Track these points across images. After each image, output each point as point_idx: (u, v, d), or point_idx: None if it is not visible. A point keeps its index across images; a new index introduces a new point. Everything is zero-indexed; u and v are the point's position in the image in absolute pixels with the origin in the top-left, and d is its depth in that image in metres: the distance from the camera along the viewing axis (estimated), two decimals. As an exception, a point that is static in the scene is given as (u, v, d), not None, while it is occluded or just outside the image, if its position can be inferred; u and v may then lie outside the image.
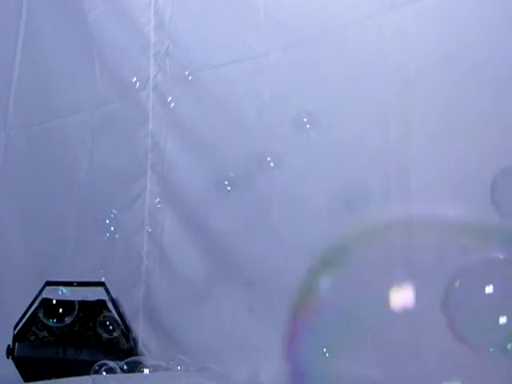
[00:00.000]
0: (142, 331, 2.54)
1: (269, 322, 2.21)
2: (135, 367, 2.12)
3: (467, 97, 1.91)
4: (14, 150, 3.06)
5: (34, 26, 3.07)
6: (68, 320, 2.27)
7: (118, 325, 2.43)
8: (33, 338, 2.49)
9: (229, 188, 2.05)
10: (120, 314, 2.44)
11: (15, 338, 2.47)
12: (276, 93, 2.32)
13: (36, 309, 2.51)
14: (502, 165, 1.83)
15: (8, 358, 2.45)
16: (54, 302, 2.30)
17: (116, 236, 2.15)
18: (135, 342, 2.45)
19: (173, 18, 2.66)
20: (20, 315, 2.51)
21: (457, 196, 1.91)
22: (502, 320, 1.10)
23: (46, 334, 2.49)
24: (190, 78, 2.48)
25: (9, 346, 2.45)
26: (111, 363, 2.06)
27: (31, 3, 3.10)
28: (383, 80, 2.07)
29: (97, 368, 2.03)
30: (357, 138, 2.11)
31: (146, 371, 2.10)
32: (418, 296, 1.94)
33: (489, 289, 1.13)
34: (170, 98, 2.61)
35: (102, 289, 2.45)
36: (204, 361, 2.14)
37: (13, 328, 2.48)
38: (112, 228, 2.13)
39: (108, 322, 2.43)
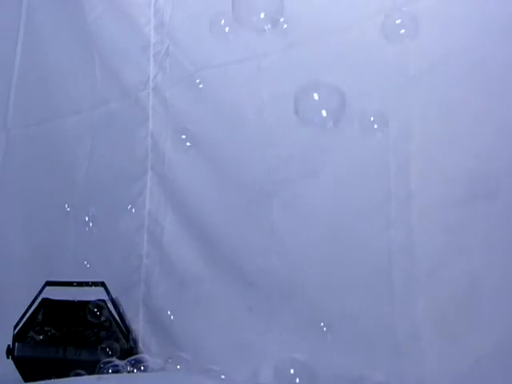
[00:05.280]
0: (141, 331, 2.54)
1: (269, 322, 2.21)
2: (138, 365, 2.12)
3: (467, 96, 1.91)
4: (13, 150, 3.06)
5: (34, 25, 3.07)
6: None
7: (118, 325, 2.43)
8: (33, 338, 2.49)
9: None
10: (120, 314, 2.44)
11: (15, 338, 2.46)
12: (276, 93, 2.32)
13: (36, 309, 2.51)
14: (501, 163, 1.84)
15: (8, 358, 2.45)
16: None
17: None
18: (135, 342, 2.45)
19: (173, 18, 2.66)
20: (20, 315, 2.50)
21: (456, 195, 1.91)
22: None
23: (45, 334, 2.49)
24: (198, 81, 2.49)
25: (9, 345, 2.45)
26: (117, 361, 2.06)
27: (31, 3, 3.10)
28: (383, 80, 2.07)
29: (102, 366, 2.04)
30: (357, 137, 2.11)
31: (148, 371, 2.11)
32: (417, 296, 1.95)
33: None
34: (169, 98, 2.62)
35: (101, 289, 2.45)
36: (204, 361, 2.14)
37: (13, 328, 2.48)
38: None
39: (108, 323, 2.43)
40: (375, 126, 2.08)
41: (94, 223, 2.22)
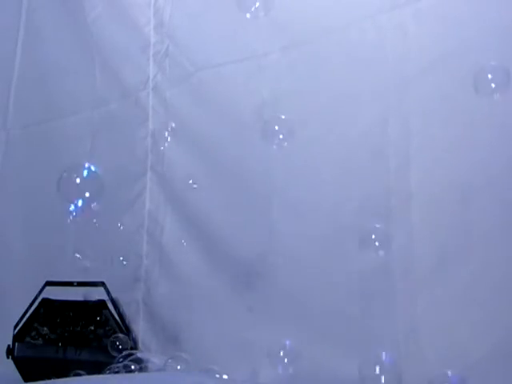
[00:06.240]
0: (141, 331, 2.54)
1: (269, 322, 2.21)
2: (138, 365, 2.13)
3: (467, 96, 1.91)
4: (13, 150, 3.06)
5: (34, 25, 3.07)
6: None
7: (118, 325, 2.43)
8: (33, 338, 2.49)
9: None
10: (120, 314, 2.44)
11: (15, 338, 2.46)
12: (276, 92, 2.32)
13: (36, 309, 2.51)
14: (500, 162, 1.84)
15: (8, 358, 2.45)
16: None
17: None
18: (135, 342, 2.45)
19: (173, 18, 2.66)
20: (20, 315, 2.50)
21: (456, 195, 1.91)
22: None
23: (45, 334, 2.49)
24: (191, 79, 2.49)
25: (9, 345, 2.45)
26: (140, 354, 2.08)
27: (31, 3, 3.10)
28: (383, 80, 2.07)
29: (121, 360, 2.05)
30: (357, 137, 2.11)
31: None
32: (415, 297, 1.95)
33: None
34: (169, 98, 2.62)
35: (102, 289, 2.44)
36: (204, 361, 2.14)
37: (13, 328, 2.48)
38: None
39: (108, 323, 2.43)
40: (375, 127, 2.08)
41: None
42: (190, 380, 1.97)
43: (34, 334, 2.50)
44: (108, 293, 2.44)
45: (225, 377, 2.03)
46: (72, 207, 1.62)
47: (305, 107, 2.21)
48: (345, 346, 2.02)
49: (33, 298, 2.51)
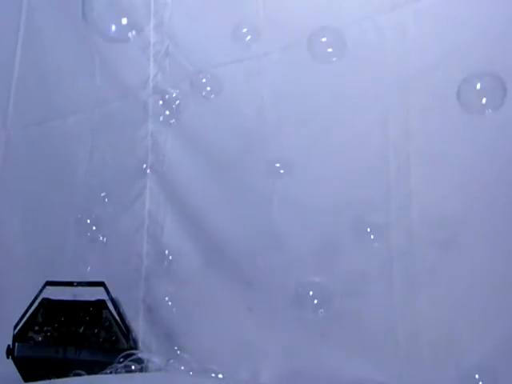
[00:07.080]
0: (141, 331, 2.54)
1: (269, 322, 2.21)
2: (138, 365, 2.13)
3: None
4: (13, 150, 3.05)
5: (34, 25, 3.07)
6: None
7: (118, 325, 2.42)
8: (33, 338, 2.48)
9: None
10: (120, 314, 2.44)
11: (15, 338, 2.46)
12: (276, 92, 2.32)
13: (36, 309, 2.51)
14: (500, 163, 1.84)
15: (8, 358, 2.45)
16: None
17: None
18: (135, 341, 2.45)
19: (173, 18, 2.66)
20: (20, 315, 2.50)
21: (456, 195, 1.91)
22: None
23: (45, 334, 2.49)
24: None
25: (9, 345, 2.45)
26: (140, 354, 2.08)
27: (31, 3, 3.10)
28: (383, 80, 2.07)
29: (121, 360, 2.05)
30: (357, 137, 2.12)
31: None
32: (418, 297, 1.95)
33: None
34: (168, 98, 2.62)
35: (102, 289, 2.44)
36: (204, 361, 2.14)
37: (13, 328, 2.48)
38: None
39: (108, 322, 2.43)
40: (375, 127, 2.08)
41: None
42: (189, 380, 1.97)
43: (33, 334, 2.49)
44: (108, 293, 2.44)
45: (220, 376, 2.03)
46: None
47: (305, 107, 2.21)
48: (345, 346, 2.02)
49: (33, 298, 2.51)
